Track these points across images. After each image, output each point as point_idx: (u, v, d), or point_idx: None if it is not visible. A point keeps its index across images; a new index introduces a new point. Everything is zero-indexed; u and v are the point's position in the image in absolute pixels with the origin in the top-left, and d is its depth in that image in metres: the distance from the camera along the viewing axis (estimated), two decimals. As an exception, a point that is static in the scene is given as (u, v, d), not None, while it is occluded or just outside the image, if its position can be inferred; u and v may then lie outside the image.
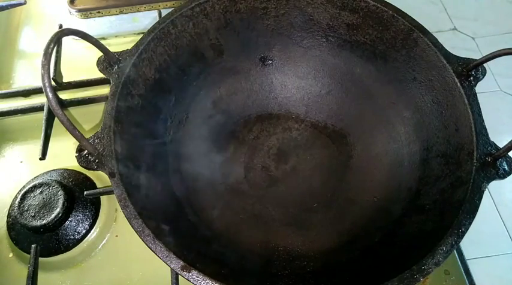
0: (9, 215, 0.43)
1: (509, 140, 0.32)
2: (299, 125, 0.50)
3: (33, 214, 0.41)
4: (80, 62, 0.56)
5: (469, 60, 0.37)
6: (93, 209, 0.44)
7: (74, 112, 0.52)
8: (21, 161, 0.49)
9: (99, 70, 0.38)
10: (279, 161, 0.48)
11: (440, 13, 1.54)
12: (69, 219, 0.42)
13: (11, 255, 0.43)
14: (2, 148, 0.50)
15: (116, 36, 0.60)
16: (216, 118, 0.48)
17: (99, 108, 0.52)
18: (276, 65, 0.49)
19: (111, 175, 0.32)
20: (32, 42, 0.61)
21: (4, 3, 0.58)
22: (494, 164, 0.33)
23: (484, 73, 0.37)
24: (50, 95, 0.28)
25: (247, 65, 0.48)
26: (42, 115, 0.48)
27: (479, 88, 0.36)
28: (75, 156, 0.33)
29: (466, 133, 0.35)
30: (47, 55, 0.28)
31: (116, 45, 0.54)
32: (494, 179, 0.33)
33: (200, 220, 0.41)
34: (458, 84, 0.36)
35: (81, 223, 0.43)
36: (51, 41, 0.29)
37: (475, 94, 0.36)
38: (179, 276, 0.37)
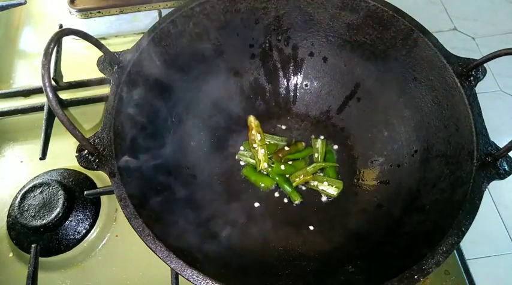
0: (9, 215, 0.43)
1: (509, 140, 0.32)
2: (299, 125, 0.50)
3: (33, 214, 0.41)
4: (80, 62, 0.56)
5: (469, 60, 0.37)
6: (93, 209, 0.44)
7: (74, 112, 0.52)
8: (21, 161, 0.49)
9: (99, 70, 0.38)
10: (279, 161, 0.48)
11: (440, 13, 1.54)
12: (69, 219, 0.42)
13: (11, 255, 0.43)
14: (2, 148, 0.50)
15: (116, 36, 0.60)
16: (216, 118, 0.48)
17: (99, 108, 0.52)
18: (276, 65, 0.49)
19: (111, 175, 0.32)
20: (32, 42, 0.61)
21: (4, 3, 0.58)
22: (495, 164, 0.33)
23: (484, 73, 0.37)
24: (50, 95, 0.28)
25: (247, 65, 0.49)
26: (42, 115, 0.48)
27: (479, 88, 0.36)
28: (75, 156, 0.33)
29: (466, 133, 0.35)
30: (47, 55, 0.28)
31: (116, 45, 0.54)
32: (494, 179, 0.33)
33: (200, 219, 0.41)
34: (459, 84, 0.36)
35: (81, 222, 0.43)
36: (51, 40, 0.29)
37: (475, 94, 0.36)
38: (179, 276, 0.37)
